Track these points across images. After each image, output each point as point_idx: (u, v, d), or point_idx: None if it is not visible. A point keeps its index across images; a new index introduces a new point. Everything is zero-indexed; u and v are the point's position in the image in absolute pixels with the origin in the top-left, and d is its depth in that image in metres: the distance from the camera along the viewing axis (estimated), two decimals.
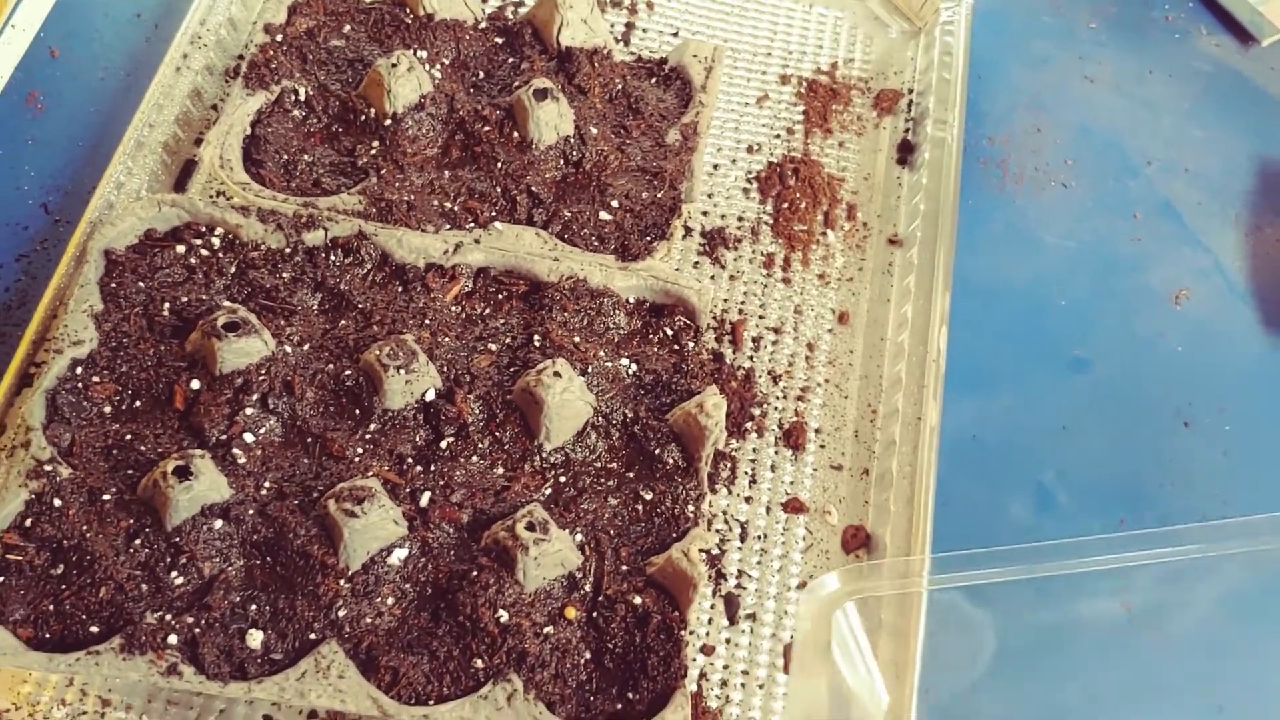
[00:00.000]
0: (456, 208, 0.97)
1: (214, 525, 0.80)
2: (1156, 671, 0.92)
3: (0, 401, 0.87)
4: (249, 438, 0.84)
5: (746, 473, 0.94)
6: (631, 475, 0.88)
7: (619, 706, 0.79)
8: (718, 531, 0.91)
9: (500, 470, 0.86)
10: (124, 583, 0.77)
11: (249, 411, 0.84)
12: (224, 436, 0.83)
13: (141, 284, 0.90)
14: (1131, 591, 0.93)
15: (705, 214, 1.06)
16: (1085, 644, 0.92)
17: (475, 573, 0.80)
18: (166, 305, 0.89)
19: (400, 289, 0.93)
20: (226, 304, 0.88)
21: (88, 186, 1.00)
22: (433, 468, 0.85)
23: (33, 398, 0.83)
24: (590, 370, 0.89)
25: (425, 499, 0.83)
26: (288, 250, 0.92)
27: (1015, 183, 1.14)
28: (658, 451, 0.88)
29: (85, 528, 0.79)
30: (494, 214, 0.97)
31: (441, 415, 0.86)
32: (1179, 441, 1.01)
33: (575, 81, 1.03)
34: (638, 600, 0.81)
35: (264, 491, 0.83)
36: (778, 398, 0.98)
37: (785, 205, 1.07)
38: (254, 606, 0.79)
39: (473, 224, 0.96)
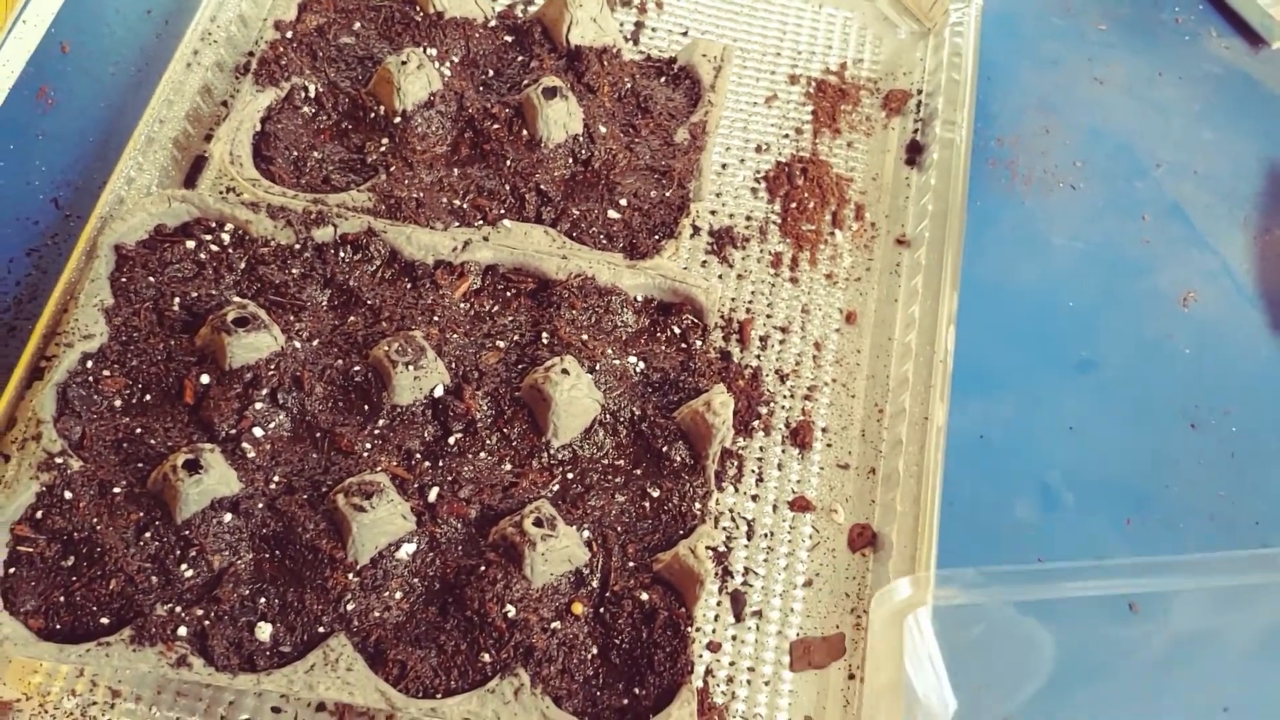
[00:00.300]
0: (465, 205, 0.97)
1: (223, 519, 0.80)
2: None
3: (11, 395, 0.87)
4: (258, 432, 0.84)
5: (753, 471, 0.95)
6: (639, 472, 0.88)
7: (625, 701, 0.79)
8: (724, 529, 0.92)
9: (508, 466, 0.86)
10: (134, 575, 0.78)
11: (258, 406, 0.84)
12: (233, 431, 0.84)
13: (152, 279, 0.90)
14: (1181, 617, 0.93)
15: (713, 213, 1.07)
16: (1134, 667, 0.92)
17: (483, 568, 0.80)
18: (176, 300, 0.89)
19: (409, 286, 0.93)
20: (236, 299, 0.89)
21: (98, 182, 1.00)
22: (441, 463, 0.85)
23: (44, 391, 0.84)
24: (598, 368, 0.90)
25: (433, 494, 0.84)
26: (297, 246, 0.93)
27: (1024, 184, 1.14)
28: (665, 449, 0.88)
29: (96, 520, 0.79)
30: (503, 212, 0.97)
31: (450, 411, 0.86)
32: (1186, 443, 1.02)
33: (584, 80, 1.04)
34: (645, 596, 0.82)
35: (273, 486, 0.83)
36: (785, 397, 0.98)
37: (793, 205, 1.07)
38: (263, 599, 0.79)
39: (481, 221, 0.96)
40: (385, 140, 0.99)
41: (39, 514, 0.79)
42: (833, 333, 1.02)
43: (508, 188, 0.98)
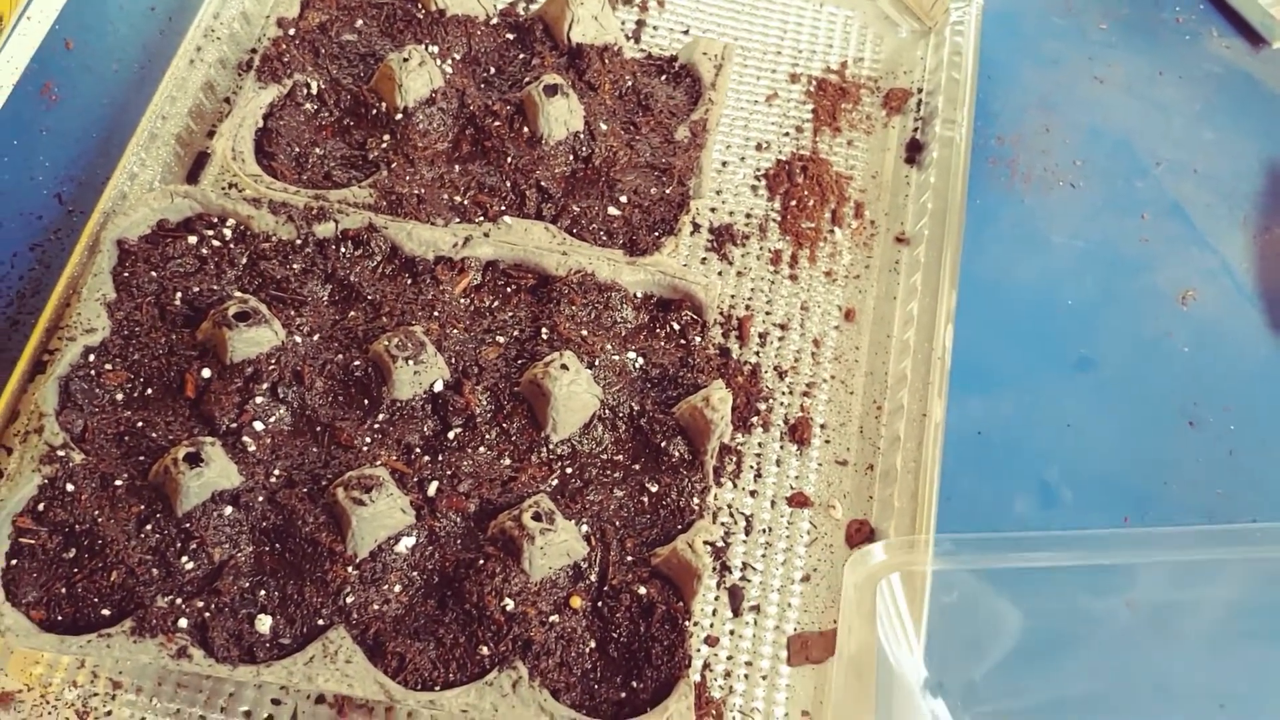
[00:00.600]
0: (466, 201, 0.98)
1: (224, 511, 0.81)
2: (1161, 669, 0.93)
3: (14, 388, 0.88)
4: (259, 426, 0.84)
5: (752, 467, 0.95)
6: (637, 467, 0.88)
7: (623, 695, 0.80)
8: (723, 524, 0.92)
9: (507, 461, 0.87)
10: (135, 567, 0.78)
11: (259, 400, 0.85)
12: (234, 424, 0.84)
13: (154, 274, 0.91)
14: (1141, 589, 0.93)
15: (713, 210, 1.07)
16: (1098, 638, 0.92)
17: (482, 561, 0.80)
18: (178, 295, 0.90)
19: (410, 281, 0.93)
20: (238, 294, 0.89)
21: (101, 177, 1.01)
22: (440, 458, 0.85)
23: (46, 384, 0.84)
24: (597, 363, 0.90)
25: (433, 488, 0.84)
26: (298, 242, 0.93)
27: (1024, 182, 1.14)
28: (664, 444, 0.88)
29: (97, 512, 0.80)
30: (503, 208, 0.98)
31: (449, 406, 0.87)
32: (1184, 441, 1.02)
33: (585, 78, 1.04)
34: (643, 590, 0.82)
35: (273, 479, 0.83)
36: (784, 393, 0.98)
37: (793, 203, 1.07)
38: (263, 592, 0.79)
39: (482, 218, 0.97)
40: (387, 137, 1.00)
41: (41, 506, 0.80)
42: (832, 330, 1.02)
43: (508, 184, 0.99)
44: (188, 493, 0.79)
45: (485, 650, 0.79)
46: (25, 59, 1.08)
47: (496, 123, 1.00)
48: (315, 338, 0.90)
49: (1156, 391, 1.04)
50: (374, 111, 1.00)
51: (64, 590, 0.78)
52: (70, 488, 0.80)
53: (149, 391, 0.86)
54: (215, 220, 0.94)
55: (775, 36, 1.19)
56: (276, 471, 0.84)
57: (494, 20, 1.09)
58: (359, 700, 0.82)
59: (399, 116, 0.99)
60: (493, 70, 1.06)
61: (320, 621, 0.79)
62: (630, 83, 1.06)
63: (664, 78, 1.09)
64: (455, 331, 0.91)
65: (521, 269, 0.95)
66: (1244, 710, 0.91)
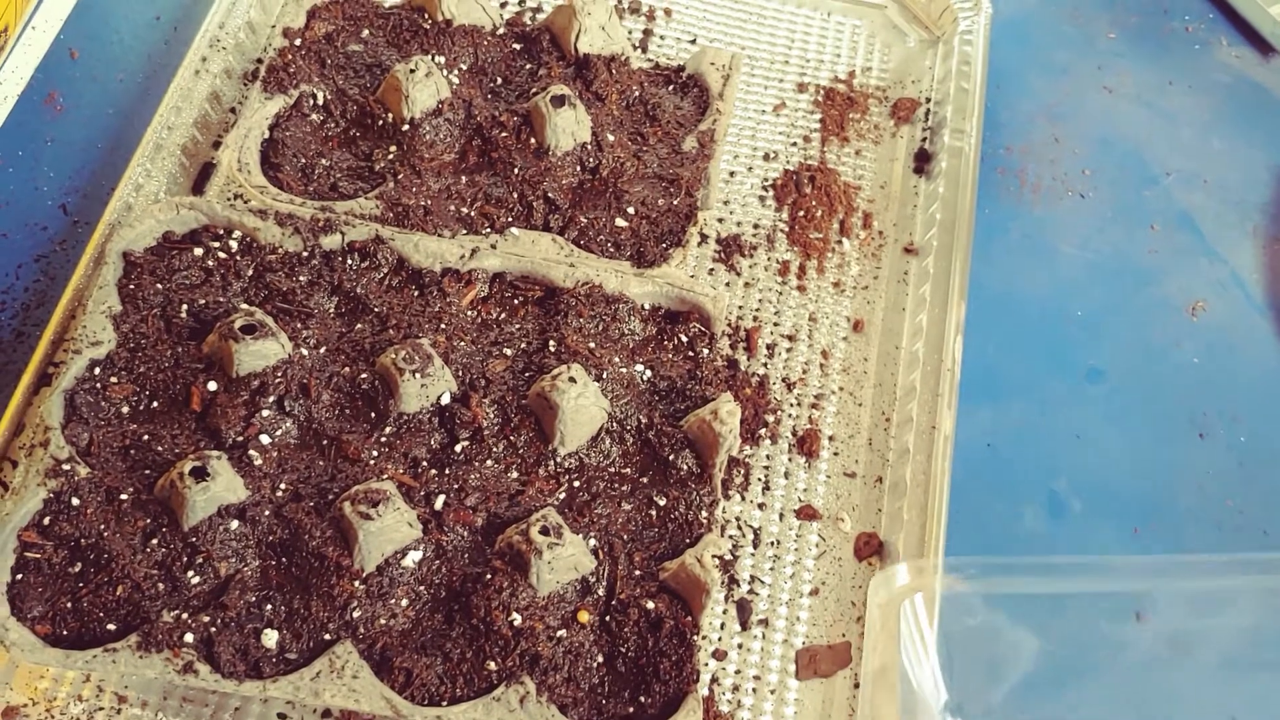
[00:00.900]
0: (473, 213, 0.97)
1: (230, 526, 0.80)
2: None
3: (19, 401, 0.87)
4: (265, 439, 0.84)
5: (760, 479, 0.95)
6: (645, 481, 0.88)
7: (631, 710, 0.79)
8: (731, 538, 0.91)
9: (514, 474, 0.86)
10: (141, 581, 0.78)
11: (265, 413, 0.85)
12: (240, 438, 0.84)
13: (159, 286, 0.91)
14: (1162, 615, 0.92)
15: (721, 221, 1.07)
16: (1117, 665, 0.91)
17: (489, 576, 0.80)
18: (184, 307, 0.90)
19: (416, 293, 0.93)
20: (244, 306, 0.89)
21: (106, 188, 1.00)
22: (447, 471, 0.85)
23: (51, 397, 0.84)
24: (605, 376, 0.89)
25: (440, 502, 0.84)
26: (305, 254, 0.93)
27: (1033, 192, 1.14)
28: (672, 457, 0.88)
29: (103, 526, 0.79)
30: (510, 219, 0.97)
31: (456, 419, 0.86)
32: (1193, 452, 1.01)
33: (593, 88, 1.04)
34: (651, 605, 0.82)
35: (280, 493, 0.83)
36: (792, 405, 0.98)
37: (801, 213, 1.07)
38: (269, 606, 0.79)
39: (489, 229, 0.96)
40: (393, 148, 0.99)
41: (46, 520, 0.80)
42: (840, 341, 1.02)
43: (515, 195, 0.98)
44: (193, 507, 0.79)
45: (492, 665, 0.78)
46: (30, 68, 1.08)
47: (503, 134, 0.99)
48: (322, 350, 0.89)
49: (1166, 403, 1.04)
50: (380, 122, 1.00)
51: (69, 605, 0.78)
52: (76, 502, 0.80)
53: (155, 405, 0.86)
54: (221, 232, 0.93)
55: (783, 46, 1.19)
56: (283, 485, 0.83)
57: (501, 30, 1.08)
58: (365, 716, 0.81)
59: (405, 127, 0.99)
60: (499, 81, 1.06)
61: (327, 636, 0.78)
62: (637, 93, 1.06)
63: (671, 88, 1.08)
64: (462, 344, 0.91)
65: (529, 281, 0.95)
66: None
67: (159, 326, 0.89)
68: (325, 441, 0.85)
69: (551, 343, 0.91)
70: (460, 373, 0.89)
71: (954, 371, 0.96)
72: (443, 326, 0.91)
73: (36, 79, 1.08)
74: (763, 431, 0.96)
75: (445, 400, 0.87)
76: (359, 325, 0.91)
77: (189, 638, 0.76)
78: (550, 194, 0.98)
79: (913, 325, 1.01)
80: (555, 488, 0.86)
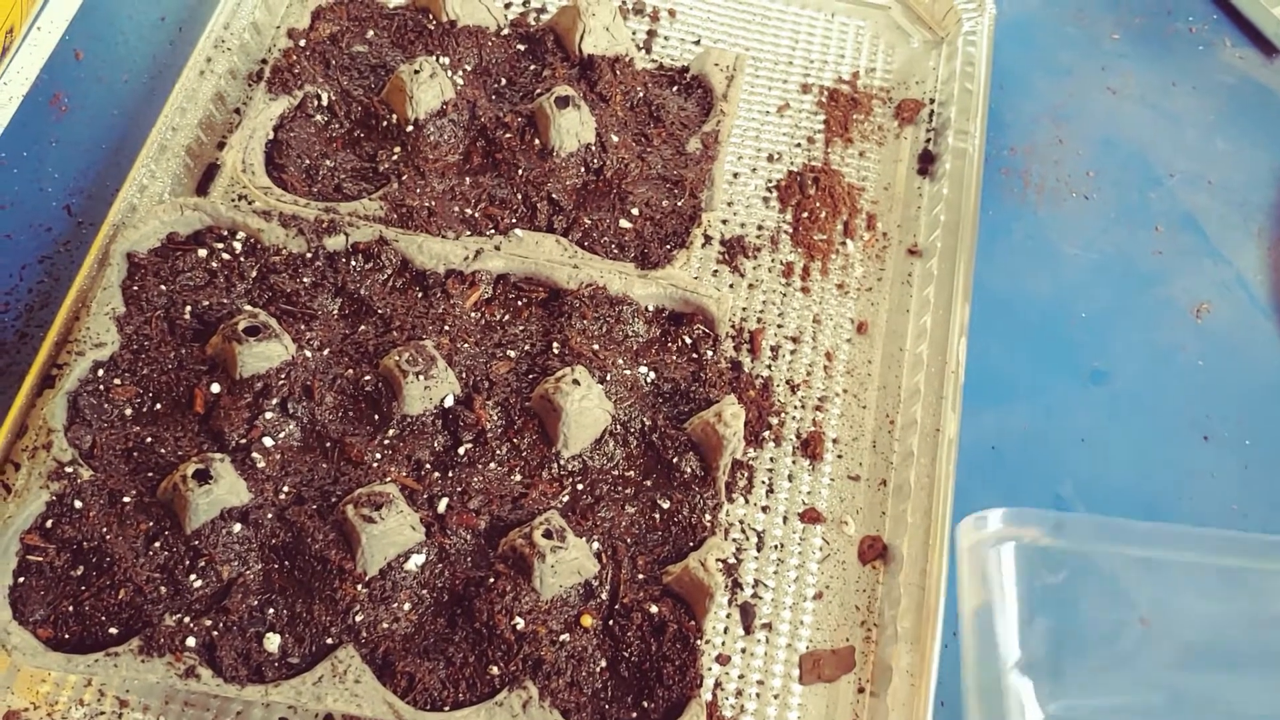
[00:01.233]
0: (477, 214, 0.97)
1: (233, 529, 0.80)
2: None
3: (22, 403, 0.87)
4: (268, 442, 0.84)
5: (764, 482, 0.94)
6: (649, 484, 0.88)
7: (634, 715, 0.79)
8: (734, 541, 0.91)
9: (518, 477, 0.86)
10: (143, 585, 0.78)
11: (268, 416, 0.84)
12: (243, 440, 0.84)
13: (163, 287, 0.91)
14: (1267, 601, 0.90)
15: (725, 222, 1.06)
16: (1206, 646, 0.89)
17: (492, 579, 0.80)
18: (188, 309, 0.90)
19: (420, 295, 0.93)
20: (247, 308, 0.89)
21: (111, 189, 1.00)
22: (450, 474, 0.85)
23: (54, 399, 0.84)
24: (609, 378, 0.89)
25: (443, 505, 0.83)
26: (309, 255, 0.93)
27: (1036, 194, 1.14)
28: (675, 460, 0.88)
29: (105, 529, 0.79)
30: (514, 221, 0.97)
31: (460, 421, 0.86)
32: (1198, 455, 1.01)
33: (597, 89, 1.04)
34: (654, 609, 0.81)
35: (283, 496, 0.83)
36: (796, 407, 0.98)
37: (805, 214, 1.07)
38: (272, 610, 0.79)
39: (493, 230, 0.96)
40: (397, 149, 0.99)
41: (49, 523, 0.80)
42: (844, 343, 1.02)
43: (519, 197, 0.98)
44: (196, 510, 0.79)
45: (495, 670, 0.78)
46: (35, 70, 1.08)
47: (507, 134, 0.99)
48: (325, 352, 0.89)
49: (1171, 405, 1.03)
50: (385, 123, 1.00)
51: (71, 608, 0.78)
52: (78, 504, 0.80)
53: (158, 407, 0.86)
54: (225, 233, 0.93)
55: (787, 47, 1.18)
56: (286, 488, 0.83)
57: (505, 31, 1.08)
58: None
59: (410, 128, 0.99)
60: (504, 82, 1.06)
61: (329, 640, 0.78)
62: (642, 94, 1.05)
63: (675, 89, 1.08)
64: (466, 346, 0.91)
65: (532, 282, 0.94)
66: None
67: (162, 328, 0.89)
68: (328, 444, 0.85)
69: (555, 344, 0.91)
70: (464, 375, 0.89)
71: (958, 373, 0.96)
72: (446, 328, 0.91)
73: (42, 80, 1.08)
74: (766, 434, 0.96)
75: (449, 402, 0.87)
76: (362, 327, 0.91)
77: (191, 642, 0.76)
78: (554, 195, 0.98)
79: (917, 327, 1.01)
80: (558, 490, 0.86)
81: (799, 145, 1.12)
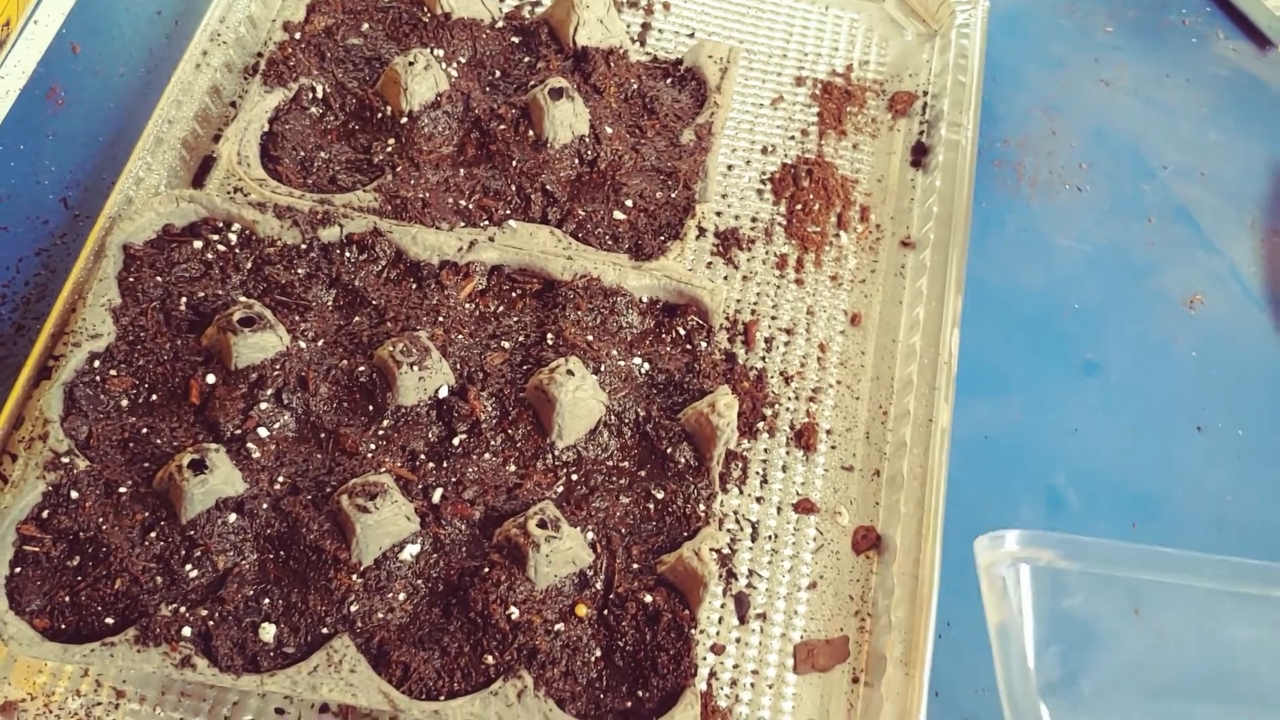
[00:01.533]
0: (471, 205, 0.98)
1: (228, 519, 0.80)
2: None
3: (19, 394, 0.87)
4: (263, 432, 0.84)
5: (758, 473, 0.95)
6: (643, 474, 0.88)
7: (629, 704, 0.79)
8: (729, 531, 0.92)
9: (512, 468, 0.86)
10: (139, 575, 0.78)
11: (263, 406, 0.85)
12: (239, 431, 0.84)
13: (159, 279, 0.91)
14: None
15: (719, 214, 1.07)
16: (1224, 675, 0.89)
17: (487, 569, 0.80)
18: (183, 300, 0.90)
19: (414, 286, 0.93)
20: (242, 299, 0.89)
21: (107, 182, 1.01)
22: (445, 464, 0.85)
23: (51, 390, 0.84)
24: (603, 369, 0.90)
25: (437, 495, 0.84)
26: (303, 246, 0.93)
27: (1030, 186, 1.14)
28: (669, 450, 0.88)
29: (101, 520, 0.79)
30: (508, 212, 0.98)
31: (454, 412, 0.87)
32: (1191, 446, 1.01)
33: (591, 81, 1.04)
34: (648, 598, 0.82)
35: (278, 486, 0.83)
36: (789, 398, 0.98)
37: (799, 206, 1.07)
38: (267, 600, 0.79)
39: (487, 222, 0.97)
40: (392, 141, 0.99)
41: (45, 513, 0.80)
42: (837, 334, 1.02)
43: (513, 188, 0.98)
44: (192, 500, 0.79)
45: (490, 659, 0.78)
46: (32, 63, 1.08)
47: (502, 126, 0.99)
48: (320, 343, 0.89)
49: (1164, 396, 1.04)
50: (379, 115, 1.00)
51: (68, 598, 0.78)
52: (74, 495, 0.80)
53: (154, 397, 0.86)
54: (220, 225, 0.94)
55: (780, 40, 1.19)
56: (281, 478, 0.84)
57: (499, 24, 1.08)
58: (363, 710, 0.81)
59: (404, 120, 0.99)
60: (498, 74, 1.06)
61: (324, 630, 0.79)
62: (635, 86, 1.06)
63: (669, 81, 1.08)
64: (460, 337, 0.91)
65: (527, 274, 0.95)
66: None
67: (158, 319, 0.89)
68: (323, 434, 0.86)
69: (549, 335, 0.91)
70: (458, 365, 0.89)
71: (951, 365, 0.96)
72: (441, 319, 0.91)
73: (38, 73, 1.08)
74: (760, 425, 0.96)
75: (443, 393, 0.87)
76: (357, 318, 0.91)
77: (187, 632, 0.77)
78: (548, 187, 0.98)
79: (910, 318, 1.01)
80: (553, 481, 0.86)
81: (793, 138, 1.12)
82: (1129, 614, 0.88)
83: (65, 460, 0.81)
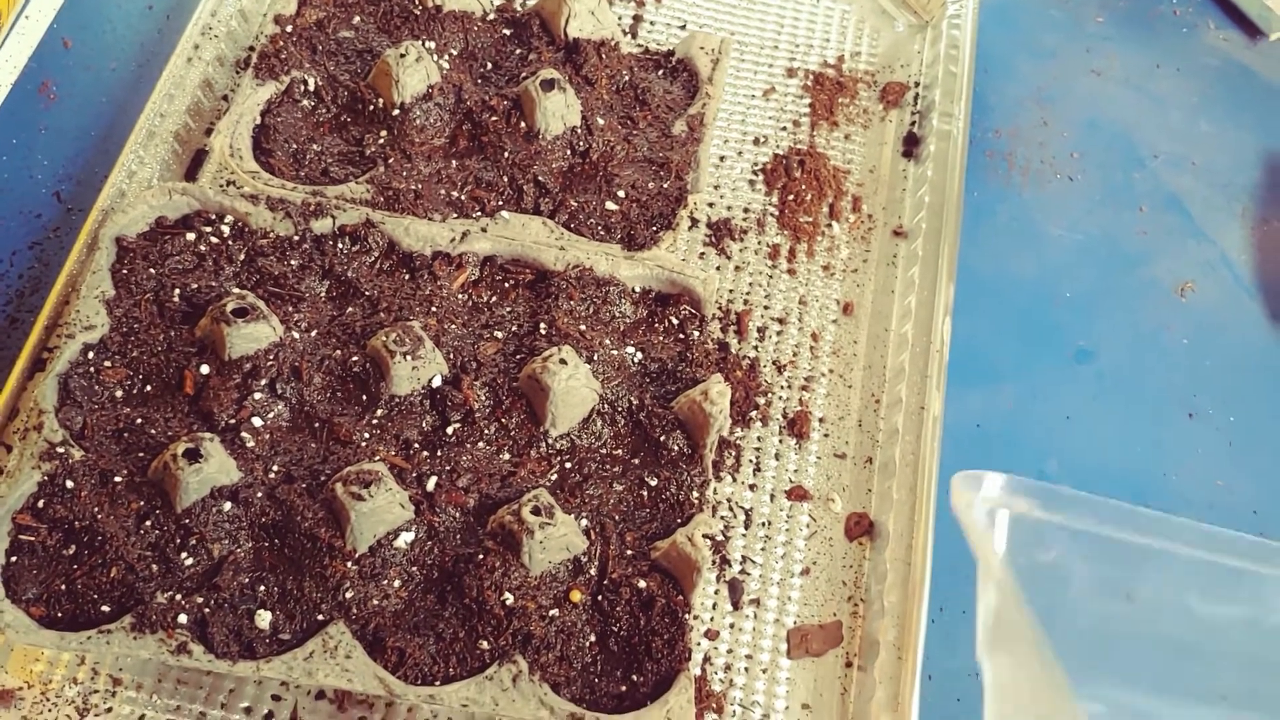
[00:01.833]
0: (463, 197, 0.98)
1: (223, 507, 0.81)
2: None
3: (13, 385, 0.88)
4: (257, 422, 0.85)
5: (751, 461, 0.95)
6: (637, 462, 0.88)
7: (623, 688, 0.80)
8: (722, 518, 0.92)
9: (506, 456, 0.87)
10: (135, 563, 0.78)
11: (257, 396, 0.85)
12: (233, 420, 0.84)
13: (152, 270, 0.91)
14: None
15: (711, 205, 1.07)
16: (1203, 651, 0.85)
17: (481, 556, 0.80)
18: (177, 291, 0.90)
19: (407, 277, 0.93)
20: (236, 290, 0.89)
21: (100, 175, 1.01)
22: (439, 453, 0.86)
23: (45, 381, 0.84)
24: (596, 358, 0.90)
25: (432, 484, 0.84)
26: (296, 238, 0.93)
27: (1021, 175, 1.14)
28: (663, 438, 0.88)
29: (97, 509, 0.80)
30: (501, 203, 0.98)
31: (448, 401, 0.87)
32: (1183, 433, 1.02)
33: (583, 73, 1.04)
34: (642, 584, 0.82)
35: (272, 475, 0.83)
36: (782, 387, 0.99)
37: (791, 197, 1.08)
38: (263, 587, 0.80)
39: (480, 213, 0.97)
40: (383, 132, 1.00)
41: (41, 503, 0.80)
42: (830, 324, 1.02)
43: (506, 179, 0.99)
44: (187, 489, 0.79)
45: (485, 645, 0.79)
46: (24, 58, 1.08)
47: (494, 118, 1.00)
48: (313, 334, 0.90)
49: (1155, 383, 1.04)
50: (371, 107, 1.00)
51: (64, 587, 0.78)
52: (70, 484, 0.80)
53: (148, 388, 0.87)
54: (213, 217, 0.94)
55: (772, 31, 1.19)
56: (275, 467, 0.84)
57: (491, 16, 1.09)
58: (359, 695, 0.82)
59: (396, 112, 0.99)
60: (490, 65, 1.06)
61: (320, 617, 0.79)
62: (627, 77, 1.06)
63: (661, 72, 1.09)
64: (453, 327, 0.91)
65: (519, 264, 0.95)
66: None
67: (152, 311, 0.89)
68: (317, 424, 0.86)
69: (542, 325, 0.91)
70: (451, 355, 0.89)
71: (943, 353, 0.96)
72: (434, 309, 0.91)
73: (30, 68, 1.08)
74: (753, 414, 0.97)
75: (436, 383, 0.88)
76: (350, 308, 0.91)
77: (183, 619, 0.77)
78: (540, 177, 0.98)
79: (902, 307, 1.01)
80: (547, 469, 0.87)
81: (784, 128, 1.12)
82: (1104, 575, 0.86)
83: (60, 450, 0.81)
